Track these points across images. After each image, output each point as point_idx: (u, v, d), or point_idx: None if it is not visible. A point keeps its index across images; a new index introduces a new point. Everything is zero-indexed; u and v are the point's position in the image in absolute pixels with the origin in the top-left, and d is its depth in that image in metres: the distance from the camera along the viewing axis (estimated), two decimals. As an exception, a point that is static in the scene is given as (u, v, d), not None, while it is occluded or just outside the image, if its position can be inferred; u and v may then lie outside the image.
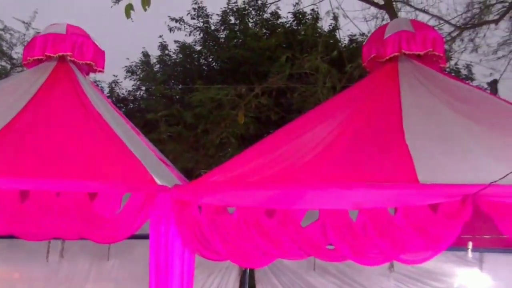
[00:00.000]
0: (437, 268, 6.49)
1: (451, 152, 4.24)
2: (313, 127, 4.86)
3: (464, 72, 17.62)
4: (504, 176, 3.54)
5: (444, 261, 6.44)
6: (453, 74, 16.50)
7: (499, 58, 14.82)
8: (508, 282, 6.35)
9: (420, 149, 4.22)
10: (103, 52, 5.74)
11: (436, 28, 13.43)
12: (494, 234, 5.21)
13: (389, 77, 5.22)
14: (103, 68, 5.75)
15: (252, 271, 6.72)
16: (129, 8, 5.17)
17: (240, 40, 17.79)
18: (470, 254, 5.56)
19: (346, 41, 16.71)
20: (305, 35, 15.13)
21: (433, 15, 13.52)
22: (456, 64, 16.81)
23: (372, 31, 7.73)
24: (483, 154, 4.20)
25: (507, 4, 13.46)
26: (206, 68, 18.34)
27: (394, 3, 12.46)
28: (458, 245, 5.69)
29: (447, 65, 15.81)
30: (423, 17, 13.41)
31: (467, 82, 15.84)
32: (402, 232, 3.75)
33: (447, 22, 13.60)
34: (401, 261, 4.05)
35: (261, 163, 4.41)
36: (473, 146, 4.31)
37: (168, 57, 18.86)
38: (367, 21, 13.13)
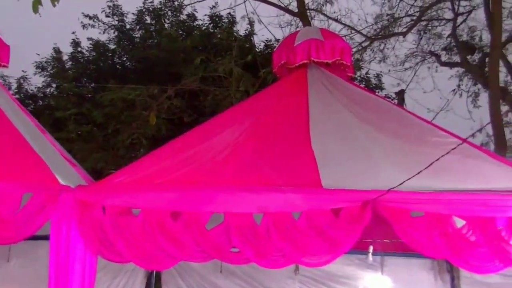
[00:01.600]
0: (341, 271, 6.66)
1: (355, 159, 4.38)
2: (222, 130, 4.88)
3: (374, 81, 18.15)
4: (402, 183, 3.68)
5: (347, 264, 6.63)
6: (364, 82, 17.04)
7: (406, 69, 15.42)
8: (406, 284, 6.61)
9: (325, 155, 4.33)
10: (7, 47, 5.54)
11: (347, 37, 13.87)
12: (393, 239, 5.42)
13: (298, 83, 5.32)
14: (7, 62, 5.55)
15: (158, 274, 6.66)
16: (37, 2, 4.99)
17: (156, 41, 17.60)
18: (370, 257, 5.76)
19: (261, 46, 16.86)
20: (221, 38, 15.18)
21: (345, 25, 13.96)
22: (367, 73, 17.34)
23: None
24: (385, 161, 4.36)
25: (415, 17, 14.05)
26: (119, 68, 17.99)
27: (308, 11, 12.69)
28: (361, 249, 5.94)
29: (358, 73, 16.37)
30: (335, 26, 13.80)
31: (375, 91, 16.41)
32: (304, 236, 3.83)
33: (358, 32, 14.02)
34: (303, 263, 4.14)
35: (169, 165, 4.39)
36: (375, 153, 4.47)
37: (80, 55, 18.39)
38: (281, 27, 13.34)
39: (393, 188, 3.72)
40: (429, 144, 4.43)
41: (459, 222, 4.00)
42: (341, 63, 5.50)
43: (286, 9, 12.65)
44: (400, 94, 15.47)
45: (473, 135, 3.75)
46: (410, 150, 4.44)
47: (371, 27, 14.54)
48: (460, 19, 14.39)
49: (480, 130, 3.41)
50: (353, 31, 14.07)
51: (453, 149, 3.53)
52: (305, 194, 3.89)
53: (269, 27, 13.24)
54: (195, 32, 17.19)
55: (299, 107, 4.99)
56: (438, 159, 3.52)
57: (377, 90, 17.06)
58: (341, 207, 3.87)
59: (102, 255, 3.99)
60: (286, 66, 5.60)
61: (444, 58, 15.18)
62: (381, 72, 16.49)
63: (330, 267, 6.51)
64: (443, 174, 4.00)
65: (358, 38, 14.29)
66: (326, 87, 5.29)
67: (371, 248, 5.79)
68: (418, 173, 3.58)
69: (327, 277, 6.69)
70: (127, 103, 12.39)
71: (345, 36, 13.70)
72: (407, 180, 3.64)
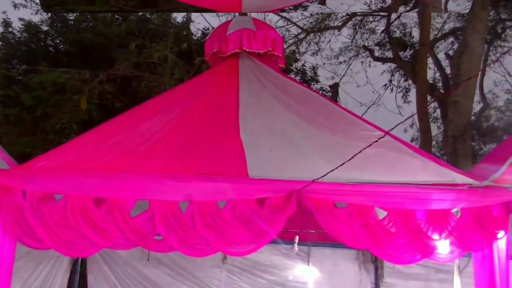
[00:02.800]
0: (268, 261, 6.75)
1: (282, 150, 4.41)
2: (151, 117, 4.84)
3: (310, 73, 18.32)
4: (325, 174, 3.74)
5: (274, 254, 6.71)
6: (300, 74, 17.15)
7: (340, 63, 15.63)
8: (332, 274, 6.74)
9: (254, 145, 4.35)
10: None
11: (284, 29, 13.94)
12: (320, 229, 5.50)
13: (229, 73, 5.34)
14: None
15: (84, 261, 6.57)
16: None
17: (91, 24, 17.18)
18: (296, 247, 5.83)
19: (199, 34, 16.70)
20: (157, 24, 14.93)
21: (282, 16, 13.79)
22: (303, 65, 17.46)
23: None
24: (312, 152, 4.42)
25: (350, 12, 14.21)
26: (52, 50, 17.49)
27: (245, 0, 12.66)
28: (288, 239, 6.01)
29: (294, 65, 16.48)
30: (272, 17, 13.77)
31: (310, 83, 16.58)
32: (229, 225, 3.85)
33: (295, 24, 13.95)
34: (227, 252, 4.17)
35: (94, 151, 4.32)
36: (304, 144, 4.52)
37: (11, 35, 17.77)
38: (219, 16, 13.24)
39: (317, 179, 3.77)
40: (355, 137, 4.51)
41: (381, 214, 4.11)
42: (272, 54, 5.54)
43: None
44: (334, 87, 15.71)
45: (393, 128, 3.80)
46: (337, 142, 4.51)
47: (307, 19, 14.49)
48: (394, 15, 14.70)
49: (402, 122, 3.46)
50: (289, 23, 13.98)
51: (374, 141, 3.60)
52: (231, 184, 3.89)
53: (207, 15, 13.16)
54: (131, 17, 16.86)
55: (230, 97, 5.00)
56: (360, 151, 3.58)
57: (312, 83, 17.19)
58: (266, 197, 3.90)
59: (22, 241, 3.89)
60: (218, 55, 5.59)
61: (377, 53, 15.44)
62: (317, 65, 16.62)
63: (257, 257, 6.61)
64: (367, 166, 4.10)
65: (294, 30, 14.36)
66: (257, 77, 5.32)
67: (297, 238, 5.85)
68: (341, 165, 3.64)
69: (254, 266, 6.76)
70: (58, 86, 12.00)
71: (281, 27, 13.82)
72: (330, 171, 3.69)
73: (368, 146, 3.57)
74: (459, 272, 4.61)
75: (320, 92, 16.18)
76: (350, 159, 3.60)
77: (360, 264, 6.76)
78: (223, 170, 4.04)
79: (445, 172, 4.31)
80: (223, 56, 5.53)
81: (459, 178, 4.21)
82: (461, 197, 4.04)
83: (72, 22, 17.64)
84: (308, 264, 6.68)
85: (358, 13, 14.63)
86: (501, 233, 4.01)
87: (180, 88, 5.77)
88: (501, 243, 4.04)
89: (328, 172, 3.70)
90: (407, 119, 3.13)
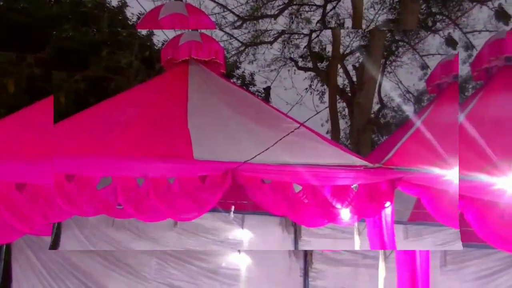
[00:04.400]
0: (210, 225, 6.76)
1: (222, 138, 4.39)
2: (117, 110, 4.74)
3: (248, 78, 18.30)
4: (254, 157, 3.75)
5: (215, 220, 6.72)
6: (240, 79, 17.12)
7: (272, 70, 15.74)
8: (262, 235, 6.81)
9: (199, 133, 4.30)
10: None
11: (228, 42, 13.83)
12: (251, 201, 5.52)
13: (181, 75, 5.26)
14: None
15: (8, 247, 5.67)
16: None
17: (22, 5, 13.52)
18: (232, 215, 5.86)
19: (134, 19, 14.37)
20: (90, 7, 12.63)
21: (218, 3, 12.78)
22: (243, 72, 17.42)
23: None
24: (245, 140, 4.40)
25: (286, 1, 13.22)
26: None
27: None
28: (226, 209, 6.03)
29: (237, 72, 16.42)
30: (208, 4, 12.77)
31: (248, 86, 16.59)
32: (177, 197, 3.81)
33: (231, 11, 12.85)
34: (175, 218, 4.14)
35: (71, 136, 4.17)
36: (240, 133, 4.50)
37: None
38: (154, 1, 11.76)
39: (248, 160, 3.77)
40: (279, 128, 4.52)
41: (297, 188, 4.17)
42: (215, 62, 5.52)
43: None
44: (267, 90, 15.82)
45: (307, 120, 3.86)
46: (265, 132, 4.51)
47: (243, 7, 13.21)
48: (314, 34, 14.84)
49: (313, 116, 3.53)
50: (225, 10, 12.76)
51: (291, 131, 3.64)
52: (179, 164, 3.86)
53: (142, 1, 12.09)
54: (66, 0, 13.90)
55: (180, 95, 4.92)
56: (280, 139, 3.63)
57: (250, 86, 17.21)
58: (207, 175, 3.89)
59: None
60: (172, 61, 5.52)
61: (300, 63, 15.63)
62: (253, 71, 16.65)
63: (202, 222, 6.60)
64: (288, 151, 4.13)
65: (236, 43, 14.27)
66: (204, 79, 5.27)
67: (233, 208, 5.89)
68: (266, 149, 3.68)
69: (200, 228, 6.75)
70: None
71: (217, 14, 12.83)
72: (257, 155, 3.71)
73: (287, 135, 3.62)
74: (384, 258, 4.31)
75: (256, 93, 16.25)
76: (273, 145, 3.63)
77: (283, 227, 6.85)
78: (173, 153, 4.00)
79: (347, 156, 4.39)
80: (175, 62, 5.46)
81: (357, 161, 4.30)
82: (358, 175, 4.14)
83: (2, 3, 13.73)
84: (242, 227, 6.74)
85: (286, 32, 14.71)
86: (387, 203, 4.13)
87: (141, 87, 5.65)
88: (387, 211, 4.16)
89: (256, 155, 3.72)
90: (317, 113, 3.19)
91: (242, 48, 14.48)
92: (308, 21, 14.05)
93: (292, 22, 14.09)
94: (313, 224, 4.35)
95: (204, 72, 5.36)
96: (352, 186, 4.21)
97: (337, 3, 13.64)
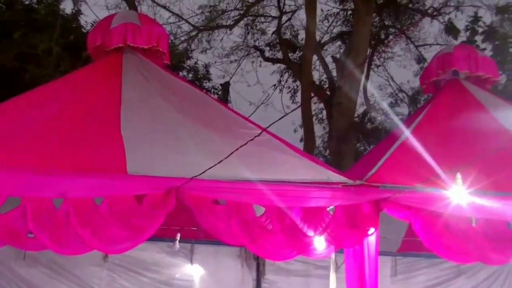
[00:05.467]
0: (151, 259, 6.68)
1: (165, 146, 4.39)
2: (28, 109, 4.68)
3: (202, 71, 18.30)
4: (204, 172, 3.74)
5: (157, 252, 6.66)
6: (192, 72, 17.10)
7: (231, 62, 15.77)
8: (216, 271, 6.79)
9: (135, 141, 4.29)
10: None
11: (175, 25, 13.89)
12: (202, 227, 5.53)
13: (113, 67, 5.23)
14: None
15: None
16: None
17: None
18: (177, 245, 5.84)
19: (88, 27, 16.12)
20: (43, 15, 14.26)
21: (173, 13, 13.85)
22: (196, 63, 17.40)
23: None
24: (195, 149, 4.42)
25: (242, 11, 14.39)
26: None
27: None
28: (171, 237, 6.00)
29: (188, 62, 16.40)
30: (163, 13, 13.72)
31: (202, 81, 16.59)
32: (106, 222, 3.78)
33: (186, 21, 14.03)
34: (102, 250, 4.10)
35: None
36: (186, 141, 4.52)
37: None
38: (108, 9, 12.99)
39: (196, 176, 3.77)
40: (236, 135, 4.56)
41: (260, 211, 4.20)
42: (157, 50, 5.49)
43: (112, -9, 12.34)
44: (225, 86, 15.81)
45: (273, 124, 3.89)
46: (218, 140, 4.54)
47: (198, 17, 14.68)
48: (285, 17, 15.01)
49: (279, 119, 3.53)
50: (181, 20, 14.07)
51: (250, 140, 3.64)
52: (109, 180, 3.83)
53: (96, 8, 12.81)
54: (18, 6, 15.85)
55: (112, 92, 4.90)
56: (237, 149, 3.62)
57: (204, 81, 17.21)
58: (144, 194, 3.87)
59: None
60: (101, 49, 5.47)
61: (268, 53, 15.73)
62: (209, 63, 16.65)
63: (140, 254, 6.53)
64: (248, 164, 4.16)
65: (186, 27, 14.32)
66: (142, 73, 5.25)
67: (178, 236, 5.86)
68: (219, 162, 3.67)
69: (137, 264, 6.66)
70: None
71: (172, 23, 13.91)
72: (208, 169, 3.71)
73: (244, 144, 3.61)
74: (336, 268, 4.78)
75: (212, 90, 16.27)
76: (227, 157, 3.63)
77: (243, 260, 6.84)
78: (102, 166, 3.96)
79: (322, 171, 4.45)
80: (106, 50, 5.41)
81: (334, 177, 4.37)
82: (335, 195, 4.20)
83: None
84: (191, 262, 6.70)
85: (250, 13, 14.82)
86: (371, 230, 4.20)
87: (62, 81, 5.58)
88: (371, 240, 4.23)
89: (206, 170, 3.71)
90: (285, 115, 3.23)
91: (194, 33, 14.48)
92: (264, 32, 15.71)
93: (248, 33, 15.64)
94: (278, 257, 4.38)
95: (142, 63, 5.34)
96: (327, 209, 4.27)
97: (292, 15, 15.23)
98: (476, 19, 11.74)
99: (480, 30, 11.62)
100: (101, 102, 4.78)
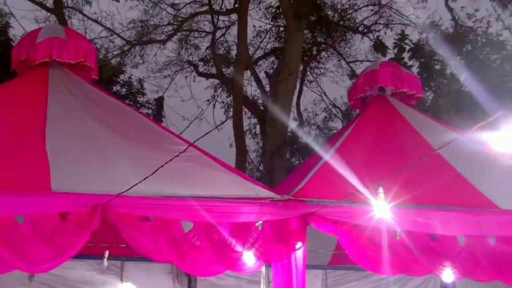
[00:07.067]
0: (80, 277, 6.50)
1: (91, 162, 4.33)
2: None
3: (136, 86, 18.09)
4: (130, 188, 3.72)
5: (86, 270, 6.49)
6: (126, 87, 16.87)
7: (165, 76, 15.68)
8: (147, 288, 6.70)
9: (60, 157, 4.23)
10: None
11: (107, 40, 13.73)
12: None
13: (39, 82, 5.14)
14: None
15: None
16: None
17: None
18: (105, 262, 5.74)
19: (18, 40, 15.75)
20: None
21: (105, 27, 13.70)
22: (130, 77, 17.18)
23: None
24: (122, 165, 4.37)
25: (176, 27, 14.35)
26: None
27: (66, 9, 12.30)
28: (100, 254, 5.88)
29: (121, 77, 16.14)
30: (95, 27, 13.56)
31: (136, 96, 16.40)
32: (28, 241, 3.68)
33: (118, 35, 13.89)
34: (24, 269, 3.97)
35: None
36: (114, 157, 4.47)
37: None
38: (38, 23, 12.71)
39: (122, 193, 3.74)
40: (164, 151, 4.53)
41: (188, 226, 4.19)
42: (85, 65, 5.42)
43: (41, 4, 12.08)
44: (159, 101, 15.68)
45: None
46: (146, 156, 4.51)
47: (131, 31, 14.54)
48: (219, 33, 15.04)
49: (207, 133, 3.54)
50: (113, 34, 13.93)
51: (176, 156, 3.63)
52: (31, 198, 3.75)
53: (25, 21, 12.53)
54: None
55: (37, 107, 4.81)
56: (162, 165, 3.61)
57: (138, 95, 17.01)
58: (69, 212, 3.80)
59: None
60: (26, 64, 5.36)
61: (201, 68, 15.71)
62: (143, 77, 16.48)
63: (68, 273, 6.35)
64: (176, 180, 4.16)
65: (119, 41, 14.16)
66: (68, 88, 5.18)
67: (106, 253, 5.76)
68: (145, 178, 3.65)
69: (64, 283, 6.45)
70: None
71: (104, 37, 13.79)
72: (134, 185, 3.69)
73: (170, 160, 3.61)
74: (267, 283, 4.79)
75: (146, 105, 16.11)
76: (153, 173, 3.62)
77: (174, 277, 6.77)
78: (25, 183, 3.88)
79: (250, 186, 4.49)
80: (32, 64, 5.31)
81: (262, 192, 4.41)
82: (263, 210, 4.24)
83: None
84: (121, 279, 6.58)
85: (183, 29, 14.80)
86: (298, 244, 4.25)
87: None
88: (298, 254, 4.28)
89: (132, 186, 3.69)
90: (206, 134, 3.21)
91: (126, 48, 14.32)
92: (197, 47, 15.64)
93: (182, 48, 15.59)
94: (206, 273, 4.38)
95: (69, 79, 5.26)
96: (256, 224, 4.29)
97: (226, 30, 15.31)
98: (403, 36, 12.11)
99: (408, 47, 11.94)
100: (26, 118, 4.69)
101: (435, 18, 12.90)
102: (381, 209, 3.97)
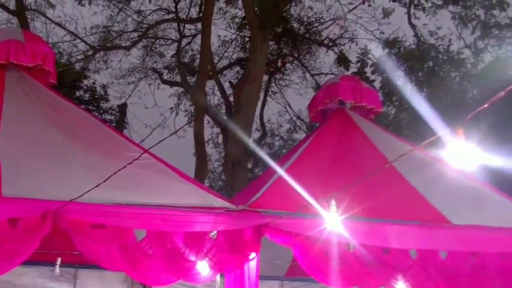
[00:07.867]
0: (31, 284, 6.39)
1: (45, 167, 4.26)
2: None
3: (100, 91, 17.92)
4: (82, 195, 3.68)
5: (38, 277, 6.37)
6: (89, 92, 16.69)
7: (129, 83, 15.58)
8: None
9: (12, 162, 4.15)
10: None
11: (70, 44, 13.60)
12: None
13: (-6, 85, 5.05)
14: None
15: None
16: None
17: None
18: (57, 269, 5.64)
19: None
20: None
21: (69, 31, 13.58)
22: (93, 83, 17.01)
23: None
24: (77, 171, 4.32)
25: (141, 33, 14.31)
26: None
27: (28, 12, 12.16)
28: (53, 261, 5.78)
29: (85, 82, 15.97)
30: (58, 31, 13.45)
31: (100, 101, 16.24)
32: (-25, 247, 3.61)
33: (82, 40, 13.80)
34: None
35: None
36: (70, 163, 4.42)
37: None
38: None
39: (74, 199, 3.70)
40: (121, 158, 4.49)
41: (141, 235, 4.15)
42: (43, 69, 5.35)
43: (2, 6, 11.89)
44: (122, 108, 15.57)
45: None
46: (102, 162, 4.47)
47: (95, 36, 14.50)
48: (185, 41, 15.01)
49: (158, 143, 3.53)
50: (76, 38, 13.85)
51: (129, 163, 3.60)
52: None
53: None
54: None
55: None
56: (115, 172, 3.58)
57: (102, 101, 16.84)
58: (19, 217, 3.74)
59: None
60: (-19, 67, 5.26)
61: (166, 76, 15.64)
62: (107, 83, 16.34)
63: (19, 279, 6.22)
64: (131, 187, 4.13)
65: (82, 46, 14.03)
66: (25, 92, 5.10)
67: (58, 260, 5.66)
68: (97, 186, 3.62)
69: (16, 288, 6.37)
70: None
71: (67, 42, 13.72)
72: (86, 192, 3.65)
73: (123, 168, 3.58)
74: None
75: (110, 111, 15.98)
76: (106, 180, 3.58)
77: (129, 285, 6.70)
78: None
79: (205, 195, 4.48)
80: (-13, 67, 5.22)
81: (217, 202, 4.40)
82: (218, 220, 4.23)
83: None
84: (75, 287, 6.48)
85: (149, 35, 14.74)
86: (252, 255, 4.25)
87: None
88: (252, 264, 4.28)
89: (84, 193, 3.65)
90: (159, 142, 3.19)
91: (90, 53, 14.18)
92: (162, 55, 15.69)
93: (147, 55, 15.59)
94: (159, 282, 4.34)
95: (26, 82, 5.18)
96: (210, 234, 4.28)
97: (192, 39, 15.33)
98: (365, 51, 12.25)
99: (370, 62, 12.09)
100: (-22, 123, 4.60)
101: (399, 35, 13.17)
102: (332, 221, 4.00)
